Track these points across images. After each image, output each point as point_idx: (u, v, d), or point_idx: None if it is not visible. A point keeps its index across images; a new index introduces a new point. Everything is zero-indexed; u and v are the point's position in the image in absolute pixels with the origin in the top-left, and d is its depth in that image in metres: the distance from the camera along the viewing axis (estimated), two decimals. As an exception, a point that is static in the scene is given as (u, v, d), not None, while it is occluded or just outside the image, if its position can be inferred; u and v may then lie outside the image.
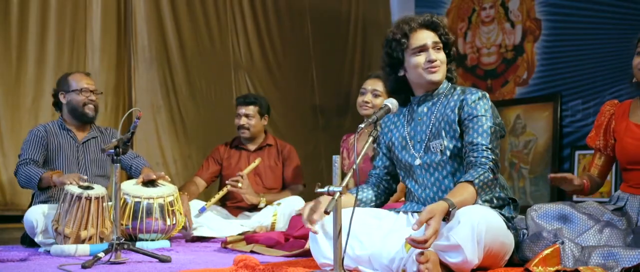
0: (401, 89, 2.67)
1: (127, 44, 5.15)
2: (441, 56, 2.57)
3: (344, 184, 2.18)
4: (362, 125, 2.33)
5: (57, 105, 3.82)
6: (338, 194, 2.14)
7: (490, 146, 2.43)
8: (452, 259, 2.19)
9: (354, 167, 2.20)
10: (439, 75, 2.56)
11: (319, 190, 2.22)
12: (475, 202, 2.36)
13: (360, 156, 2.33)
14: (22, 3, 4.71)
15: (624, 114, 2.83)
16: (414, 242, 2.16)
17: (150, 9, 5.28)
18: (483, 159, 2.40)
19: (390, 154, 2.73)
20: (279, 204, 4.03)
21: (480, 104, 2.50)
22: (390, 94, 2.72)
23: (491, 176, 2.38)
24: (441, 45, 2.58)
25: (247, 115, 4.33)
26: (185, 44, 5.45)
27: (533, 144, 5.69)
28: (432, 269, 2.16)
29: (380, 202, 2.73)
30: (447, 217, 2.25)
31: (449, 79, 2.66)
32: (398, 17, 6.74)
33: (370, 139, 2.35)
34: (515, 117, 5.83)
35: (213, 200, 4.06)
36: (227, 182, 4.10)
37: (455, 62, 2.70)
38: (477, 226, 2.19)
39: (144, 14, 5.24)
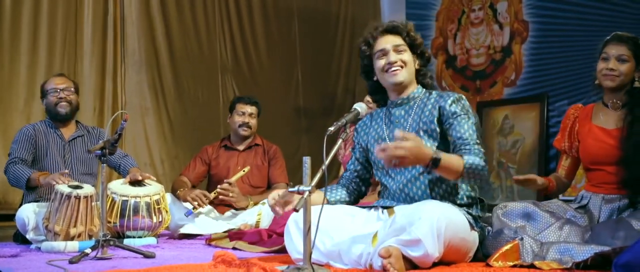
0: (379, 91, 2.83)
1: (118, 48, 5.24)
2: (405, 57, 2.69)
3: (314, 183, 2.30)
4: (332, 128, 2.46)
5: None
6: (307, 193, 2.26)
7: (478, 141, 2.55)
8: (413, 253, 2.30)
9: (323, 167, 2.33)
10: (400, 76, 2.68)
11: (291, 189, 2.35)
12: (457, 178, 2.46)
13: (329, 157, 2.44)
14: (14, 8, 4.80)
15: (587, 117, 2.96)
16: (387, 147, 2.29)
17: (141, 14, 5.38)
18: (476, 150, 2.51)
19: (364, 158, 2.85)
20: (263, 203, 4.13)
21: (460, 103, 2.62)
22: (371, 94, 2.88)
23: (482, 164, 2.48)
24: (405, 47, 2.69)
25: (251, 114, 4.47)
26: (174, 47, 5.55)
27: (521, 144, 5.76)
28: (394, 263, 2.27)
29: (350, 202, 2.85)
30: (428, 165, 2.36)
31: (423, 84, 2.77)
32: (388, 19, 6.90)
33: (340, 141, 2.48)
34: (503, 117, 5.90)
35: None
36: (217, 188, 4.18)
37: (427, 65, 2.79)
38: (437, 221, 2.30)
39: (135, 18, 5.34)
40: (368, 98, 3.24)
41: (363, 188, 2.89)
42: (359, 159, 2.87)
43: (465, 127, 2.57)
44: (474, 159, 2.47)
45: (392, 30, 2.72)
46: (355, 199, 2.88)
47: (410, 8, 6.67)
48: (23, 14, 4.83)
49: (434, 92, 2.74)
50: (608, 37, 2.93)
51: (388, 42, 2.70)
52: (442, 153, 2.41)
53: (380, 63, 2.70)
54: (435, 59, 6.39)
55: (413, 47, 2.73)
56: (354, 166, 2.88)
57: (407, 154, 2.29)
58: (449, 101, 2.62)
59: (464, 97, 2.66)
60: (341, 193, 2.84)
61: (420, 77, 2.78)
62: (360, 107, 2.59)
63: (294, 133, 6.30)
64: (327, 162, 2.38)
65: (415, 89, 2.74)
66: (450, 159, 2.43)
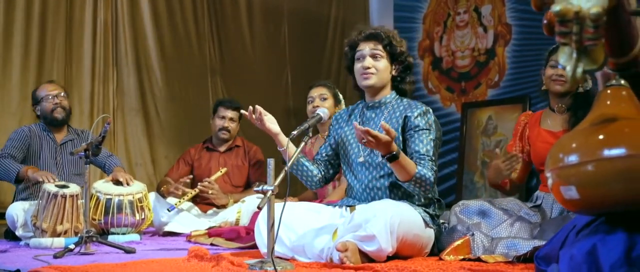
0: (361, 88, 2.98)
1: (109, 50, 5.34)
2: (379, 64, 2.85)
3: (276, 183, 2.46)
4: (295, 132, 2.64)
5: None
6: (270, 192, 2.43)
7: (433, 158, 2.74)
8: (368, 247, 2.48)
9: (286, 168, 2.50)
10: (371, 81, 2.85)
11: (256, 188, 2.52)
12: (406, 181, 2.65)
13: (292, 160, 2.61)
14: (7, 11, 4.89)
15: (536, 123, 3.14)
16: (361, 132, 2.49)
17: (132, 17, 5.48)
18: (429, 166, 2.70)
19: (336, 147, 3.02)
20: (243, 201, 4.31)
21: (424, 117, 2.79)
22: (354, 89, 3.05)
23: (431, 179, 2.69)
24: (383, 55, 2.85)
25: (231, 119, 4.62)
26: (164, 50, 5.65)
27: (503, 144, 5.87)
28: (351, 257, 2.44)
29: (316, 176, 2.99)
30: (389, 153, 2.55)
31: (399, 90, 2.92)
32: (377, 21, 7.04)
33: (302, 143, 2.65)
34: (487, 118, 6.01)
35: (183, 200, 4.30)
36: (198, 186, 4.36)
37: (407, 72, 2.92)
38: (391, 218, 2.48)
39: (126, 21, 5.44)
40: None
41: (331, 171, 3.04)
42: (332, 145, 3.03)
43: (425, 142, 2.74)
44: (427, 172, 2.66)
45: (374, 37, 2.87)
46: (323, 177, 3.01)
47: (397, 10, 6.80)
48: (16, 17, 4.91)
49: (405, 99, 2.90)
50: (555, 46, 3.09)
51: (366, 48, 2.86)
52: (402, 153, 2.60)
53: (357, 66, 2.88)
54: (422, 60, 6.52)
55: (393, 55, 2.88)
56: (325, 151, 3.04)
57: (379, 140, 2.49)
58: (415, 113, 2.79)
59: (430, 111, 2.83)
60: (311, 166, 2.99)
61: (397, 83, 2.93)
62: (323, 112, 2.77)
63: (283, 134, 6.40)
64: (289, 163, 2.56)
65: (388, 94, 2.90)
66: (406, 161, 2.63)
